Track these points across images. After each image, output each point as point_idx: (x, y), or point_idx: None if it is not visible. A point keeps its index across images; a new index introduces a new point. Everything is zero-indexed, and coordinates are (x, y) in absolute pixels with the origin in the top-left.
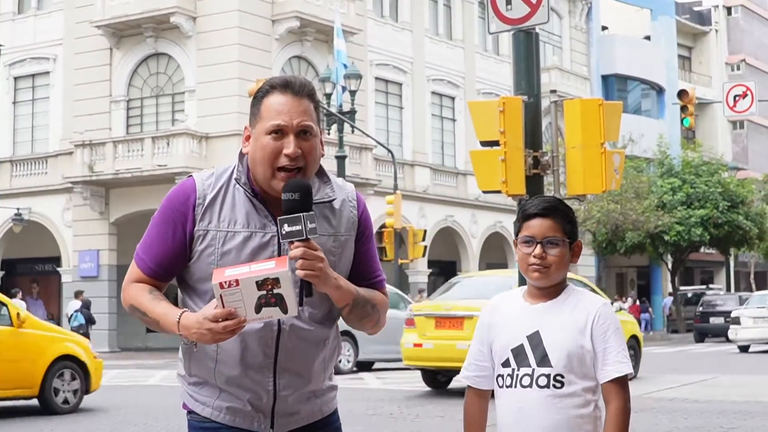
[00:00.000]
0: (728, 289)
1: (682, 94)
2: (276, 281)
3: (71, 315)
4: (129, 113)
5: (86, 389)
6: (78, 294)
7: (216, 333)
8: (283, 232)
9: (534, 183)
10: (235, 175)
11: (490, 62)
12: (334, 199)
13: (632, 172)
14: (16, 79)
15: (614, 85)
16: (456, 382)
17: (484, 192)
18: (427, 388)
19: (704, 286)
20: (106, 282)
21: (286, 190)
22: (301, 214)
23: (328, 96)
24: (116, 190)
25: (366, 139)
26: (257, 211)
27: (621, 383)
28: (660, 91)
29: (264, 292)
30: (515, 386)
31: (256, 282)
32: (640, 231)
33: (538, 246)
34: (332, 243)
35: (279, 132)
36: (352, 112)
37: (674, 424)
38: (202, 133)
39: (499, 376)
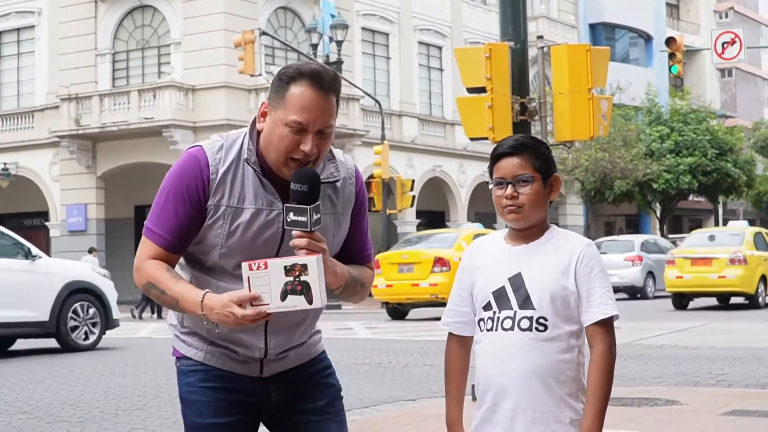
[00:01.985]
0: None
1: (670, 41)
2: (304, 268)
3: None
4: (115, 66)
5: None
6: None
7: (238, 318)
8: (288, 220)
9: (521, 129)
10: (245, 155)
11: (478, 12)
12: (338, 180)
13: (620, 120)
14: (0, 33)
15: (602, 33)
16: None
17: (471, 139)
18: (417, 338)
19: None
20: (94, 236)
21: (295, 180)
22: (308, 207)
23: (315, 47)
24: (103, 144)
25: (353, 90)
26: (265, 188)
27: (606, 326)
28: (648, 39)
29: (291, 278)
30: (496, 329)
31: (285, 267)
32: (629, 179)
33: (509, 186)
34: (331, 221)
35: (300, 128)
36: (339, 63)
37: (663, 370)
38: (189, 86)
39: (480, 320)
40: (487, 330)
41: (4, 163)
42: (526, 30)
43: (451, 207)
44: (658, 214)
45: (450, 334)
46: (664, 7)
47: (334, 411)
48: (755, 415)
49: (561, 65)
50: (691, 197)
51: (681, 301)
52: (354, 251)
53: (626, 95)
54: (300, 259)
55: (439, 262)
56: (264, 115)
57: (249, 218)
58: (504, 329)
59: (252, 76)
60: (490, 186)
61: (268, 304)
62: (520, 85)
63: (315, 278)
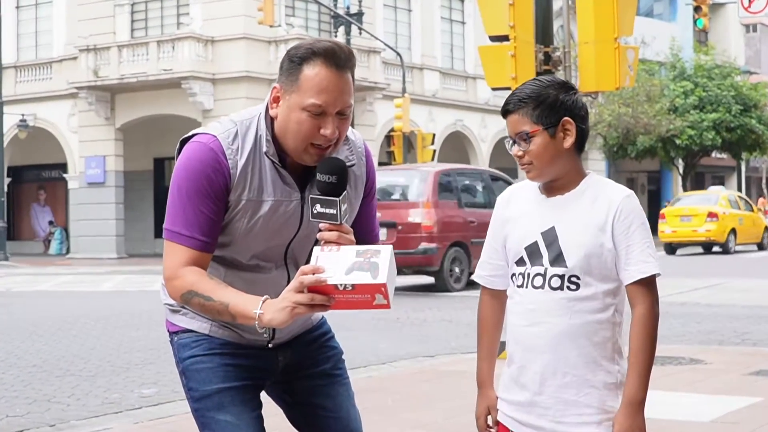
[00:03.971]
0: None
1: None
2: (377, 252)
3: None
4: (133, 17)
5: None
6: None
7: (296, 291)
8: (314, 212)
9: None
10: (264, 148)
11: None
12: (354, 164)
13: (644, 75)
14: None
15: None
16: None
17: (493, 89)
18: (434, 294)
19: None
20: (113, 188)
21: (322, 171)
22: (338, 199)
23: None
24: (122, 95)
25: (374, 42)
26: (283, 179)
27: (647, 284)
28: None
29: (361, 259)
30: (527, 287)
31: (357, 250)
32: (652, 135)
33: (514, 145)
34: (346, 207)
35: (319, 111)
36: (359, 14)
37: (687, 328)
38: (208, 37)
39: (513, 275)
40: (518, 286)
41: (23, 115)
42: None
43: (472, 161)
44: (681, 171)
45: (483, 287)
46: None
47: (339, 374)
48: None
49: (586, 13)
50: (714, 154)
51: None
52: (362, 232)
53: (650, 50)
54: (375, 246)
55: (711, 214)
56: (276, 100)
57: (268, 210)
58: (534, 287)
59: (271, 27)
60: (507, 145)
61: (329, 277)
62: (544, 33)
63: (386, 261)
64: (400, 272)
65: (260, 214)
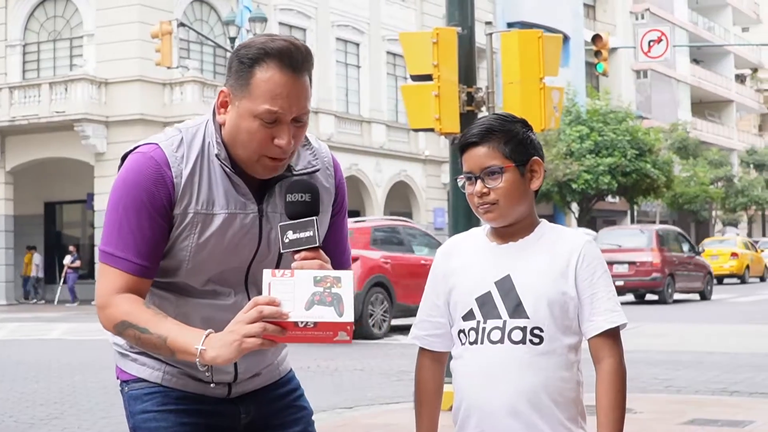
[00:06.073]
0: None
1: (596, 38)
2: (337, 280)
3: None
4: (25, 58)
5: None
6: None
7: (245, 326)
8: (286, 241)
9: (468, 121)
10: (215, 150)
11: (395, 8)
12: (318, 169)
13: None
14: None
15: None
16: None
17: (415, 130)
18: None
19: None
20: (2, 233)
21: (292, 191)
22: (314, 218)
23: (233, 40)
24: (12, 138)
25: None
26: (236, 188)
27: (614, 336)
28: (565, 39)
29: (321, 289)
30: (482, 342)
31: (315, 277)
32: (548, 179)
33: (478, 181)
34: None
35: (273, 118)
36: None
37: None
38: (102, 79)
39: (460, 331)
40: (470, 343)
41: None
42: (473, 15)
43: (366, 206)
44: (576, 215)
45: (421, 349)
46: (581, 7)
47: None
48: (717, 424)
49: (511, 53)
50: (608, 198)
51: None
52: (333, 253)
53: None
54: (332, 271)
55: (733, 254)
56: (224, 105)
57: (221, 225)
58: (491, 342)
59: (168, 68)
60: (460, 182)
61: (289, 312)
62: (467, 73)
63: (349, 292)
64: (637, 295)
65: (212, 230)
